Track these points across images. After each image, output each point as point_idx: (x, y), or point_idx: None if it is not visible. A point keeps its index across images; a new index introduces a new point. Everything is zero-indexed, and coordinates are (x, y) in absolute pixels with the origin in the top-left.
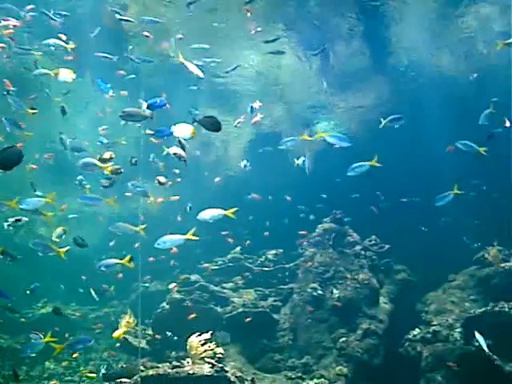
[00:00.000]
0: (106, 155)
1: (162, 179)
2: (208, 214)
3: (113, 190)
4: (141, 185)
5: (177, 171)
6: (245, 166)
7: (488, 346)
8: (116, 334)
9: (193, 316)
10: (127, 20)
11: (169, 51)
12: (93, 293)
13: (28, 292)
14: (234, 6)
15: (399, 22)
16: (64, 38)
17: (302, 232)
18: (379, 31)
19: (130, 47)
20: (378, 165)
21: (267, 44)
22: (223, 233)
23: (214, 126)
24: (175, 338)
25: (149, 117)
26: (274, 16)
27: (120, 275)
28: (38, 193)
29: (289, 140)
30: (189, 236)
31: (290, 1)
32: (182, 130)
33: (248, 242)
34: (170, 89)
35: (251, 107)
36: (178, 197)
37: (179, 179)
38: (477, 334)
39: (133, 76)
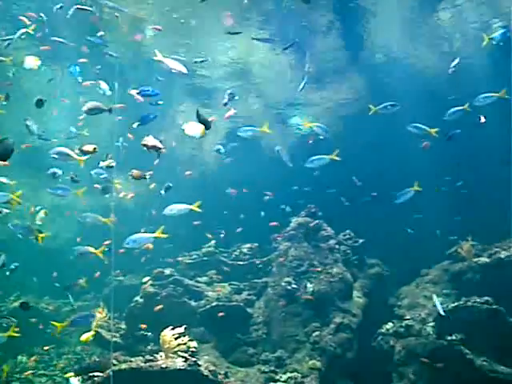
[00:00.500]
0: (89, 148)
1: (137, 173)
2: (174, 209)
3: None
4: (104, 172)
5: (155, 162)
6: (218, 150)
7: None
8: (84, 337)
9: (160, 307)
10: (85, 9)
11: (143, 42)
12: (71, 298)
13: (8, 273)
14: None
15: (374, 17)
16: (27, 21)
17: (274, 223)
18: (354, 26)
19: (102, 33)
20: (337, 159)
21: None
22: (195, 223)
23: (207, 123)
24: (149, 333)
25: (106, 109)
26: (250, 10)
27: (98, 274)
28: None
29: (248, 129)
30: (158, 234)
31: None
32: (193, 129)
33: (223, 231)
34: (143, 79)
35: (231, 93)
36: (154, 184)
37: (151, 172)
38: (434, 297)
39: (99, 67)
